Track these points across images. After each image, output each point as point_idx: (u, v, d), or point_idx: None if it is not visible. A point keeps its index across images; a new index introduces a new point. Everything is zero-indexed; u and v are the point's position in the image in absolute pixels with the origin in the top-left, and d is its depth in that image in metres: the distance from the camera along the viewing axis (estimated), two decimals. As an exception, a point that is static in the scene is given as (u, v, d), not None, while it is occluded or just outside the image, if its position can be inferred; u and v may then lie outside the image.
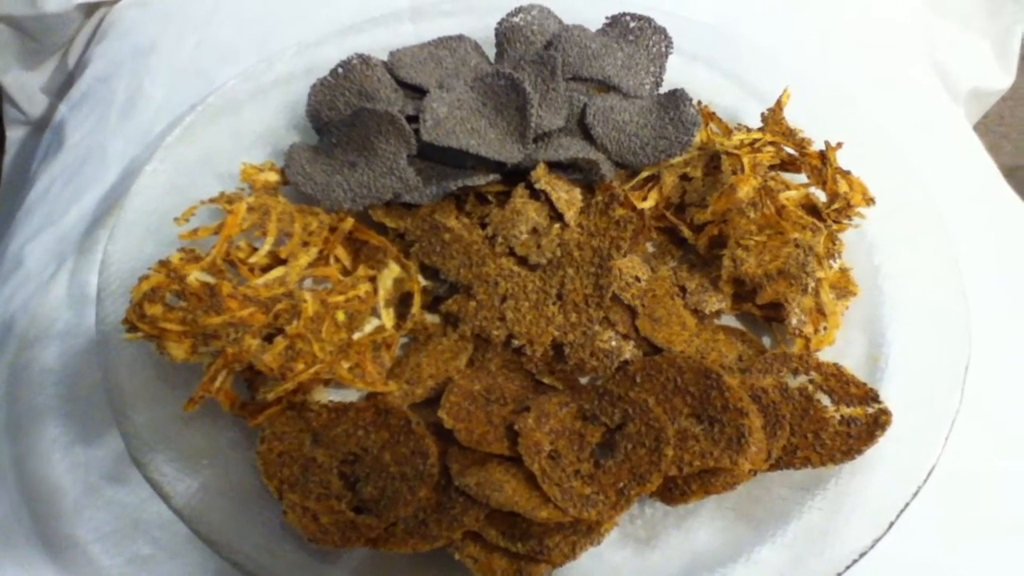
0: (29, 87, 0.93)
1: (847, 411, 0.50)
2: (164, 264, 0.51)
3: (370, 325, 0.54)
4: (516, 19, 0.67)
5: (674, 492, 0.49)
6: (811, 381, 0.52)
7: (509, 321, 0.55)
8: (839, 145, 0.60)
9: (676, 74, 0.67)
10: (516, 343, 0.55)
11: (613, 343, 0.54)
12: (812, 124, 0.63)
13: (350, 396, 0.53)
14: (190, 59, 0.77)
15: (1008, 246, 0.69)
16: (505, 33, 0.67)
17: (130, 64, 0.77)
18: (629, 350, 0.54)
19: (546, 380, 0.54)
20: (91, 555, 0.49)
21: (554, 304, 0.56)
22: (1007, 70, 1.03)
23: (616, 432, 0.49)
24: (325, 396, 0.53)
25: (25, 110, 0.93)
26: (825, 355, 0.54)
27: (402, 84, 0.64)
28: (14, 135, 0.95)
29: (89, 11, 0.88)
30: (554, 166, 0.59)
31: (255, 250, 0.55)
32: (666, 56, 0.67)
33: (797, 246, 0.54)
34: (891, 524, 0.47)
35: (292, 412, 0.51)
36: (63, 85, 0.91)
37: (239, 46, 0.77)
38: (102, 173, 0.67)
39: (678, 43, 0.68)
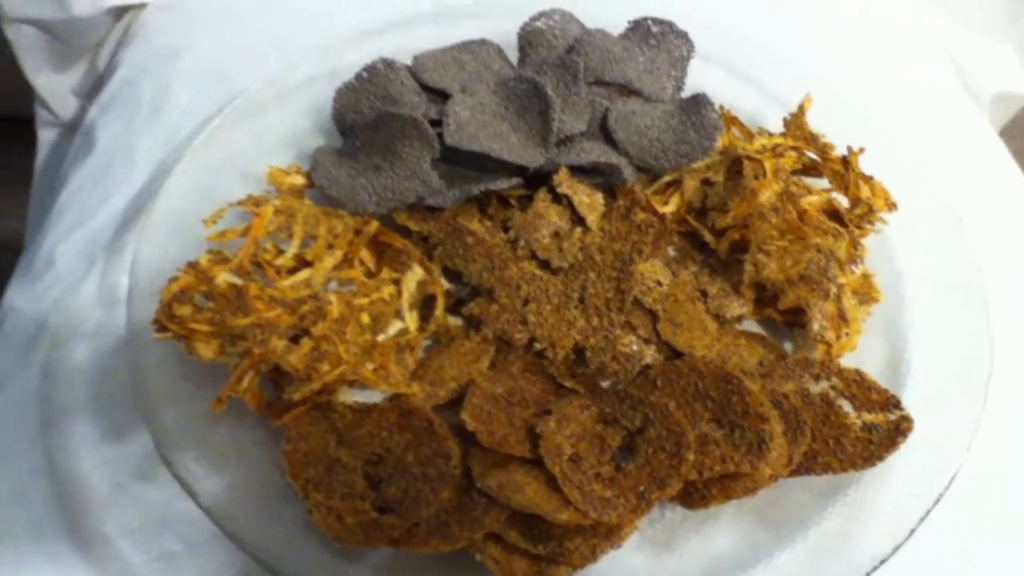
0: (60, 89, 0.94)
1: (868, 417, 0.50)
2: (193, 266, 0.52)
3: (394, 327, 0.54)
4: (538, 23, 0.68)
5: (694, 496, 0.49)
6: (832, 387, 0.52)
7: (531, 324, 0.55)
8: (861, 150, 0.60)
9: (696, 78, 0.68)
10: (538, 346, 0.55)
11: (634, 347, 0.55)
12: (833, 130, 0.63)
13: (374, 397, 0.53)
14: (215, 62, 0.78)
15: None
16: (527, 37, 0.68)
17: (157, 67, 0.79)
18: (650, 354, 0.54)
19: (567, 384, 0.54)
20: (119, 551, 0.50)
21: (576, 308, 0.56)
22: (1032, 73, 1.02)
23: (637, 436, 0.50)
24: (350, 397, 0.53)
25: (56, 112, 0.95)
26: (847, 361, 0.54)
27: (425, 88, 0.65)
28: (45, 137, 0.96)
29: (118, 14, 0.89)
30: (576, 170, 0.60)
31: (281, 252, 0.55)
32: (688, 60, 0.67)
33: (819, 251, 0.54)
34: (912, 531, 0.47)
35: (317, 413, 0.52)
36: (93, 87, 0.92)
37: (263, 49, 0.78)
38: (130, 174, 0.68)
39: (699, 47, 0.68)
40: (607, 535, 0.46)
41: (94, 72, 0.93)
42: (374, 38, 0.70)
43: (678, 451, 0.48)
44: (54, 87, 0.95)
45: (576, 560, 0.46)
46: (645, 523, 0.50)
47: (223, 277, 0.52)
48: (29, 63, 0.93)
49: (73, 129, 0.94)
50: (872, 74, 0.80)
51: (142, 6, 0.88)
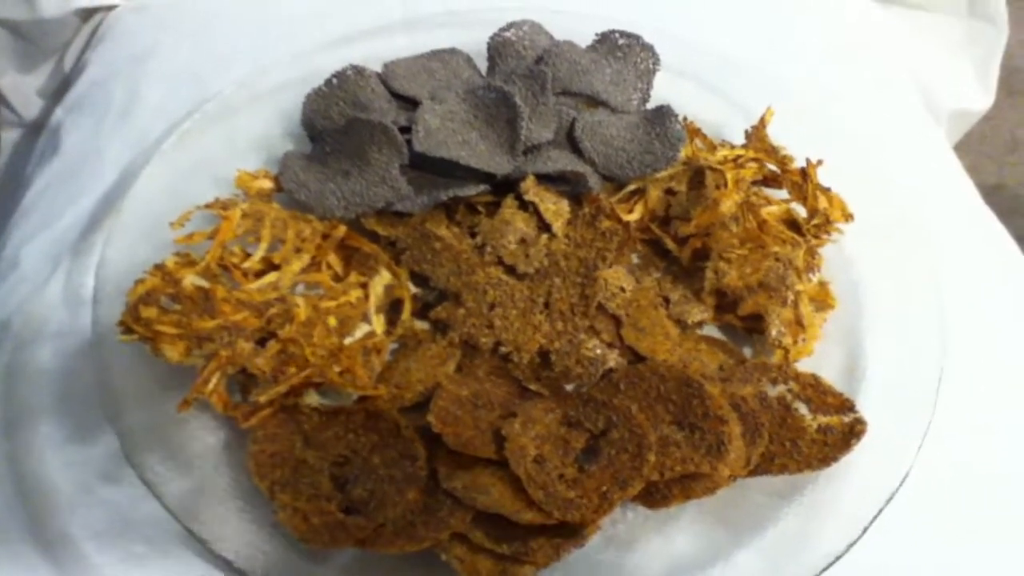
0: (25, 89, 0.94)
1: (824, 420, 0.52)
2: (159, 268, 0.52)
3: (361, 331, 0.55)
4: (508, 34, 0.69)
5: (655, 497, 0.50)
6: (789, 390, 0.53)
7: (497, 328, 0.56)
8: (819, 162, 0.62)
9: (663, 89, 0.69)
10: (503, 350, 0.56)
11: (598, 351, 0.56)
12: (795, 141, 0.65)
13: (340, 400, 0.54)
14: (186, 65, 0.78)
15: (985, 263, 0.71)
16: (497, 47, 0.69)
17: (127, 69, 0.78)
18: (614, 358, 0.55)
19: (532, 387, 0.55)
20: (84, 552, 0.50)
21: (541, 312, 0.57)
22: (987, 92, 1.06)
23: (600, 438, 0.50)
24: (316, 399, 0.54)
25: (20, 112, 0.94)
26: (804, 365, 0.55)
27: (395, 95, 0.66)
28: (8, 137, 0.96)
29: (86, 15, 0.89)
30: (542, 178, 0.61)
31: (249, 255, 0.56)
32: (654, 73, 0.69)
33: (778, 260, 0.56)
34: (864, 529, 0.49)
35: (283, 415, 0.52)
36: (59, 88, 0.91)
37: (235, 53, 0.78)
38: (98, 176, 0.68)
39: (665, 59, 0.69)
40: (571, 535, 0.47)
41: (60, 73, 0.93)
42: (346, 45, 0.71)
43: (639, 452, 0.49)
44: (19, 87, 0.94)
45: (540, 559, 0.47)
46: (608, 523, 0.51)
47: (190, 279, 0.52)
48: (-6, 63, 0.92)
49: (37, 129, 0.94)
50: (835, 88, 0.82)
51: (110, 8, 0.88)
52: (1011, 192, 1.62)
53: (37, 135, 0.88)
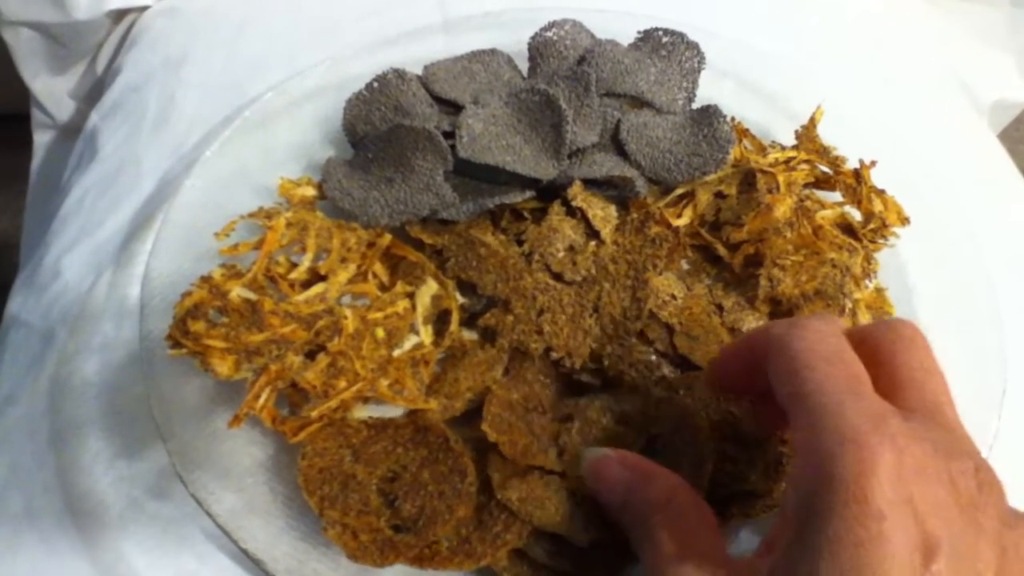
0: (57, 92, 0.94)
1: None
2: (206, 280, 0.51)
3: (409, 342, 0.54)
4: (549, 34, 0.68)
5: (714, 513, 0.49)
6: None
7: (547, 334, 0.55)
8: (873, 163, 0.60)
9: (706, 89, 0.68)
10: (554, 356, 0.55)
11: (652, 357, 0.55)
12: (841, 142, 0.63)
13: (388, 412, 0.53)
14: (221, 71, 0.77)
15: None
16: (538, 48, 0.67)
17: (162, 75, 0.78)
18: (667, 368, 0.54)
19: (584, 378, 0.54)
20: (136, 569, 0.49)
21: (591, 317, 0.56)
22: (1031, 82, 1.03)
23: (658, 439, 0.49)
24: (364, 412, 0.53)
25: (53, 114, 0.94)
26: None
27: (436, 99, 0.65)
28: (41, 139, 0.96)
29: (118, 17, 0.88)
30: (588, 183, 0.60)
31: (294, 266, 0.55)
32: (699, 72, 0.67)
33: (834, 266, 0.54)
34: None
35: (331, 428, 0.51)
36: (91, 90, 0.91)
37: (270, 58, 0.77)
38: (137, 184, 0.68)
39: (708, 58, 0.68)
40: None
41: (92, 75, 0.92)
42: (384, 48, 0.70)
43: (700, 461, 0.48)
44: (51, 90, 0.94)
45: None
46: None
47: (237, 292, 0.51)
48: (27, 66, 0.92)
49: (69, 131, 0.94)
50: (875, 83, 0.80)
51: (142, 9, 0.87)
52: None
53: (70, 138, 0.88)
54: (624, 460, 0.45)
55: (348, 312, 0.53)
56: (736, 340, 0.52)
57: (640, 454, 0.48)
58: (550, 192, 0.59)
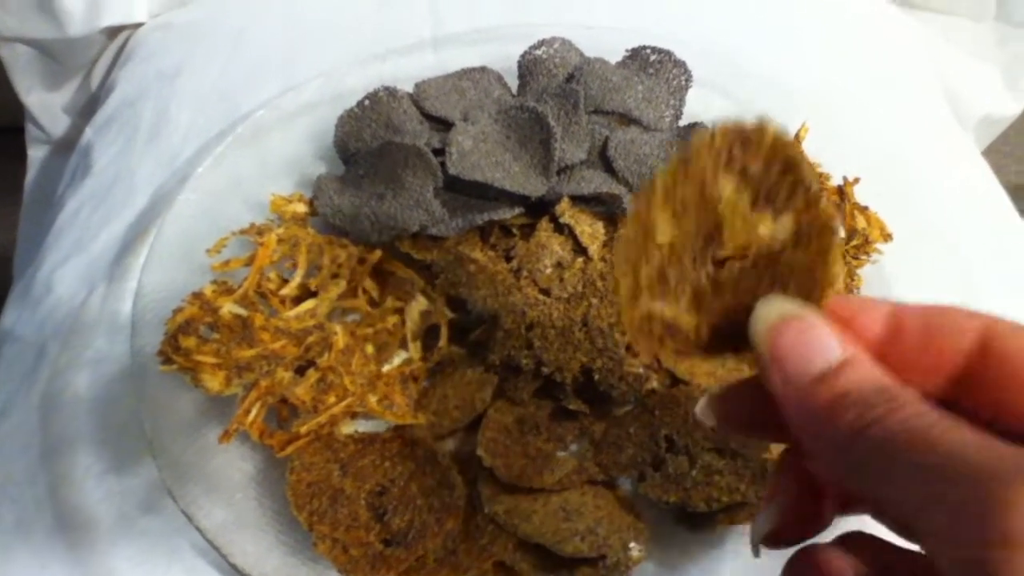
0: (51, 106, 0.94)
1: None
2: (197, 296, 0.52)
3: (399, 357, 0.55)
4: (538, 52, 0.68)
5: (699, 520, 0.50)
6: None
7: (537, 349, 0.56)
8: (856, 180, 0.61)
9: (693, 106, 0.68)
10: (545, 370, 0.55)
11: (640, 369, 0.55)
12: (827, 157, 0.64)
13: (375, 426, 0.54)
14: (215, 84, 0.78)
15: (1020, 274, 0.70)
16: (527, 65, 0.68)
17: (156, 88, 0.78)
18: (655, 380, 0.55)
19: (571, 406, 0.55)
20: (126, 583, 0.50)
21: (580, 331, 0.57)
22: (1017, 97, 1.04)
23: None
24: (351, 427, 0.53)
25: (47, 129, 0.94)
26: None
27: (427, 116, 0.65)
28: (35, 154, 0.96)
29: (112, 33, 0.89)
30: (576, 199, 0.60)
31: (285, 282, 0.56)
32: (686, 89, 0.68)
33: (818, 282, 0.55)
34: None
35: (319, 443, 0.52)
36: (86, 105, 0.92)
37: (262, 70, 0.78)
38: (130, 198, 0.68)
39: (696, 75, 0.69)
40: (615, 566, 0.47)
41: (87, 90, 0.93)
42: (375, 63, 0.70)
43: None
44: (46, 105, 0.95)
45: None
46: (651, 548, 0.50)
47: (228, 308, 0.52)
48: (21, 81, 0.93)
49: (63, 146, 0.94)
50: (863, 98, 0.81)
51: (137, 26, 0.88)
52: (1034, 192, 1.61)
53: (64, 152, 0.88)
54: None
55: (338, 328, 0.53)
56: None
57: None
58: (539, 208, 0.60)
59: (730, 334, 0.28)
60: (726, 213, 0.27)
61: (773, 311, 0.26)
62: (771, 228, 0.27)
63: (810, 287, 0.27)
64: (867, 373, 0.24)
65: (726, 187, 0.27)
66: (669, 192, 0.27)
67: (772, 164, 0.27)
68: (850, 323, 0.26)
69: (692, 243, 0.28)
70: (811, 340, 0.25)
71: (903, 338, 0.26)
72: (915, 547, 0.24)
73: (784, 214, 0.27)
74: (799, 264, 0.27)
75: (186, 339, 0.50)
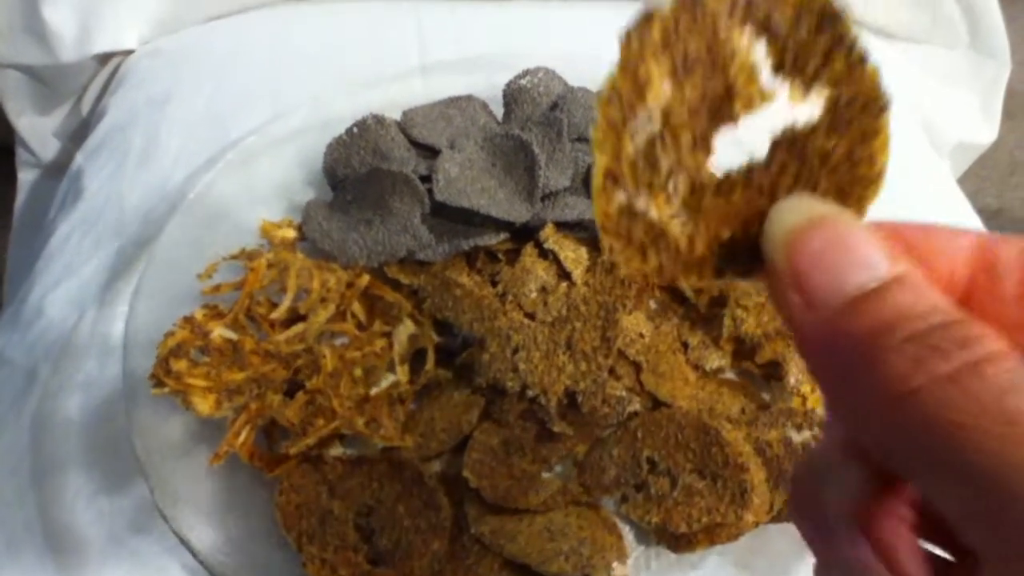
0: (42, 131, 0.95)
1: (844, 467, 0.53)
2: (188, 320, 0.53)
3: (386, 380, 0.56)
4: (523, 81, 0.70)
5: (680, 541, 0.51)
6: (814, 437, 0.54)
7: (522, 372, 0.57)
8: (833, 206, 0.62)
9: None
10: (530, 393, 0.56)
11: (622, 392, 0.56)
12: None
13: (363, 448, 0.55)
14: (205, 109, 0.79)
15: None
16: (512, 94, 0.70)
17: (146, 113, 0.80)
18: (638, 402, 0.56)
19: (556, 429, 0.56)
20: (117, 605, 0.50)
21: (564, 354, 0.58)
22: (991, 124, 1.07)
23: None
24: (339, 449, 0.54)
25: (38, 153, 0.95)
26: (823, 413, 0.56)
27: (414, 143, 0.67)
28: (26, 177, 0.97)
29: (104, 59, 0.90)
30: (560, 225, 0.62)
31: (275, 306, 0.57)
32: (667, 117, 0.70)
33: (794, 307, 0.56)
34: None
35: (308, 465, 0.53)
36: (76, 130, 0.93)
37: (253, 97, 0.79)
38: (121, 223, 0.69)
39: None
40: (598, 586, 0.48)
41: (77, 115, 0.94)
42: (364, 90, 0.72)
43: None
44: (36, 129, 0.96)
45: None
46: (633, 569, 0.51)
47: (219, 331, 0.53)
48: (12, 105, 0.93)
49: (54, 170, 0.95)
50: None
51: (128, 53, 0.89)
52: (1012, 215, 1.64)
53: (55, 176, 0.89)
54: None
55: (327, 351, 0.54)
56: None
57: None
58: (524, 234, 0.62)
59: (736, 249, 0.21)
60: (739, 79, 0.20)
61: (795, 212, 0.19)
62: (798, 103, 0.21)
63: (847, 184, 0.21)
64: (926, 298, 0.17)
65: (742, 43, 0.20)
66: (669, 37, 0.20)
67: (804, 15, 0.20)
68: (921, 256, 0.19)
69: (693, 118, 0.21)
70: (846, 250, 0.18)
71: (999, 283, 0.18)
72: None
73: (816, 84, 0.21)
74: (834, 153, 0.21)
75: (177, 362, 0.51)
